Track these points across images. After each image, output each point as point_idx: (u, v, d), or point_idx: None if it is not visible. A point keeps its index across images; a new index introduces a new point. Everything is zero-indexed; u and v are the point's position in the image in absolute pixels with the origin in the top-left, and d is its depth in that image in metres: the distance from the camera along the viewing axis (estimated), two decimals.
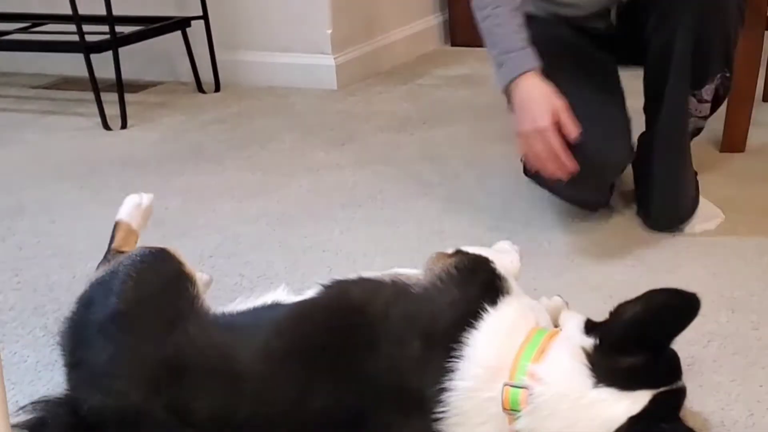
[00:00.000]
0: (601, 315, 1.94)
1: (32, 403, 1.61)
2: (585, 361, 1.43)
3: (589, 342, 1.45)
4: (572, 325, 1.50)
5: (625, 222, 2.41)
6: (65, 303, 2.12)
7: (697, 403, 1.67)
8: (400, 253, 2.31)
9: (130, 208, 1.97)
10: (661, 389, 1.39)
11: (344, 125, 3.28)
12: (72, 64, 3.85)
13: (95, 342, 1.60)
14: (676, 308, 1.44)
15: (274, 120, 3.38)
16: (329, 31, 3.70)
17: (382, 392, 1.51)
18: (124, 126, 3.40)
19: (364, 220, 2.53)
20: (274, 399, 1.52)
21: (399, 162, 2.91)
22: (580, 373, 1.42)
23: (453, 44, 4.22)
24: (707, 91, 2.36)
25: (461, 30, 4.20)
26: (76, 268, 2.35)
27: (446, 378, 1.48)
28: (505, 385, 1.46)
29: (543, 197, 2.58)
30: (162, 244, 2.46)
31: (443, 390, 1.48)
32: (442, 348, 1.50)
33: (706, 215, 2.38)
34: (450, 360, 1.48)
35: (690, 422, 1.58)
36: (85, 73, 3.43)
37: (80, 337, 1.64)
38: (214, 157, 3.06)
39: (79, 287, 2.18)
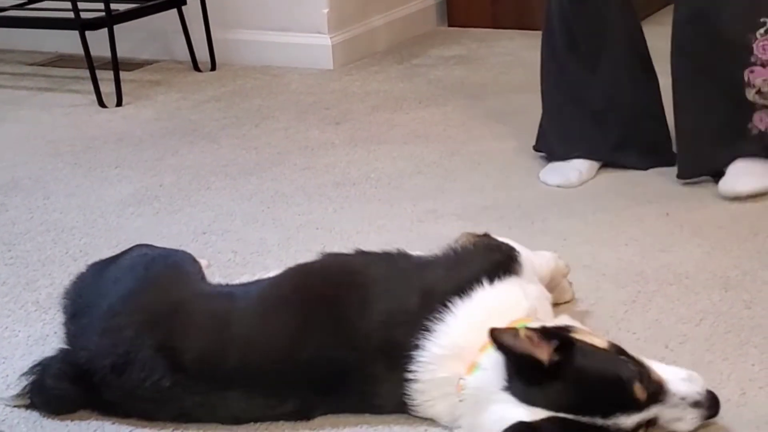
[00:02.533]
0: (592, 293, 1.96)
1: (31, 367, 1.64)
2: (507, 368, 1.44)
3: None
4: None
5: (619, 202, 2.40)
6: (58, 278, 2.14)
7: None
8: (394, 231, 2.31)
9: None
10: (559, 414, 1.40)
11: (339, 104, 3.27)
12: (67, 42, 3.83)
13: (101, 293, 1.67)
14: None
15: (270, 99, 3.37)
16: (326, 11, 3.69)
17: (373, 344, 1.54)
18: (119, 103, 3.39)
19: (358, 198, 2.52)
20: (263, 347, 1.56)
21: (394, 141, 2.90)
22: (500, 376, 1.44)
23: (450, 25, 4.20)
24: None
25: (458, 10, 4.18)
26: (69, 244, 2.34)
27: (420, 340, 1.50)
28: (460, 379, 1.49)
29: (536, 177, 2.57)
30: (155, 220, 2.48)
31: (417, 349, 1.51)
32: (433, 308, 1.51)
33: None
34: (430, 323, 1.50)
35: None
36: (81, 51, 3.41)
37: (87, 289, 1.72)
38: (209, 135, 3.05)
39: (73, 263, 2.21)
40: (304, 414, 1.59)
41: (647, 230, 2.25)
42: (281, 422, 1.60)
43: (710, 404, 1.49)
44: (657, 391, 1.45)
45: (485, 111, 3.11)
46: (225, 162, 2.82)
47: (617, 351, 1.49)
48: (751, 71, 2.35)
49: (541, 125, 2.67)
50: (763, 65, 2.35)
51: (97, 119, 3.28)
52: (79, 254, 2.27)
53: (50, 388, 1.62)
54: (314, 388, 1.56)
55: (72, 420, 1.65)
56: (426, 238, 2.21)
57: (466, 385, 1.48)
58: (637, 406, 1.42)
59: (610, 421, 1.40)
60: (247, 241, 2.30)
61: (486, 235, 1.74)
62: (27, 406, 1.67)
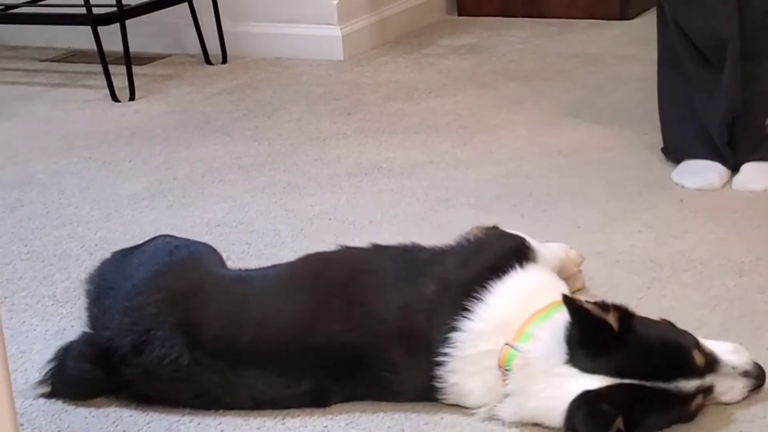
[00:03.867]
0: (606, 281, 1.96)
1: (54, 353, 1.66)
2: (567, 339, 1.47)
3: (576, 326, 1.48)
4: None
5: (632, 190, 2.40)
6: (74, 272, 2.16)
7: None
8: (407, 220, 2.32)
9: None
10: (624, 381, 1.45)
11: (350, 95, 3.27)
12: (80, 37, 3.84)
13: (124, 276, 1.70)
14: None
15: (281, 91, 3.38)
16: (335, 2, 3.69)
17: (390, 330, 1.55)
18: (132, 98, 3.40)
19: (371, 188, 2.53)
20: (280, 326, 1.59)
21: (405, 131, 2.90)
22: (559, 348, 1.48)
23: (460, 14, 4.19)
24: None
25: None
26: (85, 238, 2.36)
27: (456, 320, 1.51)
28: (506, 344, 1.49)
29: (550, 165, 2.58)
30: (169, 213, 2.50)
31: (451, 331, 1.52)
32: (459, 293, 1.54)
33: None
34: (466, 303, 1.51)
35: None
36: (93, 46, 3.42)
37: (110, 274, 1.75)
38: (221, 127, 3.06)
39: (89, 257, 2.22)
40: (320, 397, 1.61)
41: (661, 217, 2.25)
42: (297, 411, 1.61)
43: (758, 374, 1.56)
44: (711, 361, 1.52)
45: (496, 100, 3.11)
46: (238, 154, 2.83)
47: (669, 323, 1.57)
48: None
49: (665, 125, 2.55)
50: None
51: (110, 114, 3.29)
52: (94, 248, 2.28)
53: (71, 369, 1.65)
54: (329, 371, 1.58)
55: (90, 412, 1.66)
56: (439, 226, 2.22)
57: (516, 353, 1.49)
58: (697, 373, 1.50)
59: (672, 385, 1.46)
60: (260, 232, 2.31)
61: (495, 228, 1.76)
62: (48, 395, 1.69)
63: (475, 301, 1.55)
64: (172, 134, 3.04)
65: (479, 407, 1.56)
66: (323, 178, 2.61)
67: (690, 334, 1.55)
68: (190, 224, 2.39)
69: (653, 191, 2.38)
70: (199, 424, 1.61)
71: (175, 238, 1.88)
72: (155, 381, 1.61)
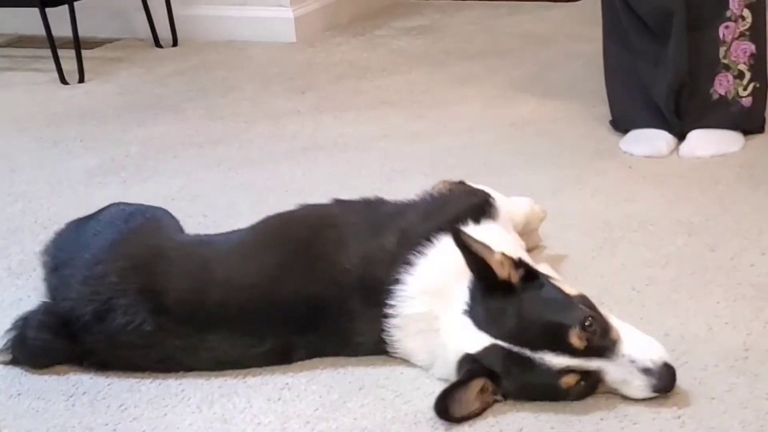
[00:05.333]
0: (559, 242, 1.99)
1: (13, 322, 1.65)
2: (472, 295, 1.50)
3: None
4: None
5: (583, 157, 2.44)
6: (29, 245, 2.15)
7: (656, 320, 1.71)
8: (365, 190, 2.28)
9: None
10: (502, 342, 1.45)
11: (304, 75, 3.28)
12: (27, 22, 3.80)
13: (81, 246, 1.69)
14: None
15: (234, 72, 3.38)
16: None
17: (351, 281, 1.57)
18: (81, 80, 3.38)
19: (327, 161, 2.54)
20: (243, 287, 1.58)
21: (359, 107, 2.92)
22: (463, 301, 1.50)
23: None
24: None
25: None
26: (38, 213, 2.34)
27: (400, 273, 1.53)
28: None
29: (502, 137, 2.61)
30: (123, 188, 2.49)
31: (395, 283, 1.54)
32: (410, 246, 1.54)
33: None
34: (411, 256, 1.52)
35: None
36: (40, 32, 3.40)
37: (67, 244, 1.74)
38: (173, 107, 3.05)
39: (42, 231, 2.21)
40: (283, 354, 1.61)
41: (611, 182, 2.29)
42: (258, 369, 1.62)
43: (662, 376, 1.45)
44: (605, 347, 1.45)
45: (449, 77, 3.14)
46: (192, 132, 2.82)
47: (581, 300, 1.50)
48: (726, 27, 2.40)
49: (612, 97, 2.60)
50: (735, 21, 2.39)
51: (59, 95, 3.27)
52: (48, 222, 2.27)
53: (32, 339, 1.64)
54: (293, 326, 1.59)
55: (50, 375, 1.66)
56: (396, 196, 2.22)
57: (440, 316, 1.52)
58: (570, 351, 1.43)
59: (537, 355, 1.43)
60: (217, 205, 2.31)
61: (462, 182, 1.77)
62: (9, 362, 1.68)
63: (418, 254, 1.55)
64: (124, 114, 3.02)
65: (428, 368, 1.57)
66: (279, 153, 2.62)
67: (596, 317, 1.46)
68: (144, 198, 2.35)
69: (603, 159, 2.42)
70: (160, 384, 1.62)
71: (129, 204, 1.88)
72: (118, 348, 1.60)
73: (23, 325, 1.66)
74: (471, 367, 1.46)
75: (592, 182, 2.29)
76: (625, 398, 1.49)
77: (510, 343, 1.45)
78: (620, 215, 2.11)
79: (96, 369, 1.66)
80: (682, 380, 1.53)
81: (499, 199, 1.73)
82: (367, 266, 1.57)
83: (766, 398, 1.49)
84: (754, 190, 2.19)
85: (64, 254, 1.74)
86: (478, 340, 1.47)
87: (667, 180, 2.27)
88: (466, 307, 1.50)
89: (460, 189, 1.74)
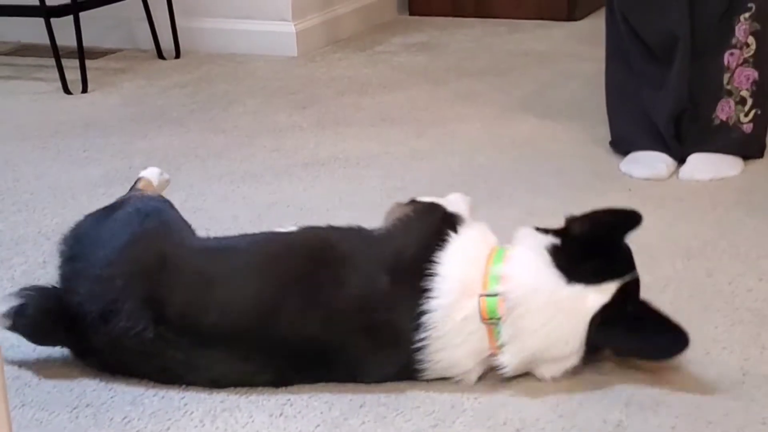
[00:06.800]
0: None
1: (21, 289, 1.69)
2: (551, 261, 1.56)
3: (550, 245, 1.59)
4: (530, 237, 1.62)
5: (583, 179, 2.46)
6: (32, 256, 2.16)
7: None
8: (364, 207, 2.35)
9: (152, 172, 2.08)
10: (624, 279, 1.57)
11: (305, 89, 3.31)
12: (30, 31, 3.82)
13: (97, 243, 1.70)
14: (624, 213, 1.67)
15: (236, 85, 3.40)
16: None
17: (351, 326, 1.57)
18: (84, 90, 3.39)
19: (328, 177, 2.56)
20: (241, 310, 1.60)
21: (360, 123, 2.94)
22: (550, 272, 1.55)
23: (411, 13, 4.25)
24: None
25: None
26: (41, 224, 2.36)
27: (422, 302, 1.54)
28: (480, 296, 1.55)
29: (503, 156, 2.63)
30: None
31: (421, 316, 1.54)
32: (412, 277, 1.56)
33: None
34: (424, 282, 1.54)
35: (647, 363, 1.65)
36: (44, 41, 3.41)
37: (84, 237, 1.75)
38: (176, 119, 3.07)
39: (46, 241, 2.22)
40: (282, 383, 1.63)
41: (610, 204, 2.29)
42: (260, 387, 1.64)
43: None
44: None
45: (449, 94, 3.17)
46: (194, 145, 2.84)
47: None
48: (731, 54, 2.42)
49: (613, 118, 2.61)
50: (740, 48, 2.42)
51: (63, 105, 3.28)
52: (51, 233, 2.28)
53: (33, 317, 1.66)
54: (292, 363, 1.61)
55: (54, 386, 1.67)
56: None
57: (494, 298, 1.55)
58: None
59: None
60: (219, 218, 2.33)
61: (413, 201, 1.78)
62: (9, 329, 1.68)
63: (431, 278, 1.57)
64: (127, 125, 3.04)
65: (466, 372, 1.60)
66: (280, 168, 2.64)
67: None
68: None
69: (603, 181, 2.45)
70: (163, 397, 1.63)
71: (150, 199, 1.86)
72: (121, 351, 1.63)
73: (30, 299, 1.67)
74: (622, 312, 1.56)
75: (591, 204, 2.27)
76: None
77: (624, 276, 1.58)
78: None
79: (100, 371, 1.68)
80: (679, 405, 1.55)
81: (445, 203, 1.75)
82: (368, 313, 1.57)
83: (762, 423, 1.51)
84: (752, 215, 2.22)
85: (80, 247, 1.75)
86: (599, 293, 1.55)
87: (666, 203, 2.30)
88: (554, 275, 1.55)
89: (420, 208, 1.73)
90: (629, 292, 1.59)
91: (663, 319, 1.59)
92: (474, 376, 1.61)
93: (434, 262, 1.58)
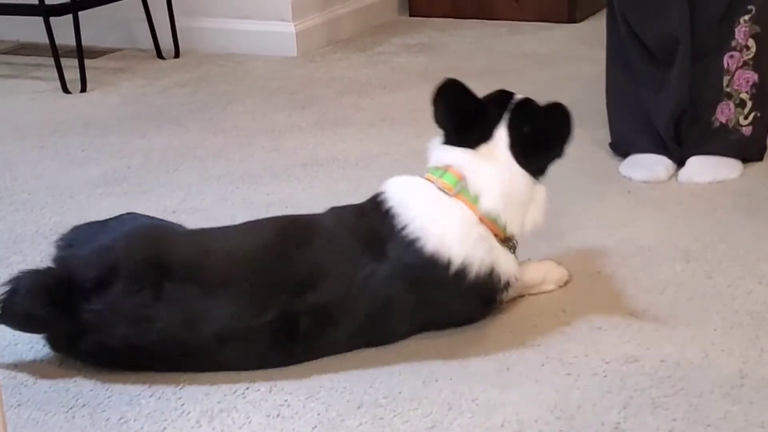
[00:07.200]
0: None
1: (9, 279, 1.68)
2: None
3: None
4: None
5: (582, 181, 2.46)
6: (29, 255, 2.16)
7: (654, 346, 1.72)
8: None
9: None
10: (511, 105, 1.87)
11: (304, 89, 3.30)
12: (29, 30, 3.82)
13: (96, 234, 1.76)
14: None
15: (235, 85, 3.40)
16: None
17: (351, 240, 1.73)
18: (83, 89, 3.39)
19: (327, 178, 2.56)
20: (244, 258, 1.70)
21: (360, 124, 2.94)
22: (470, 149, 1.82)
23: (411, 14, 4.25)
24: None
25: (419, 0, 4.23)
26: (39, 223, 2.35)
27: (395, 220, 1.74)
28: (428, 178, 1.80)
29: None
30: (125, 199, 2.50)
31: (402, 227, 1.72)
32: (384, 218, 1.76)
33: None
34: (393, 218, 1.74)
35: (646, 366, 1.65)
36: (42, 39, 3.41)
37: (82, 234, 1.80)
38: (175, 119, 3.07)
39: (44, 240, 2.22)
40: (286, 326, 1.65)
41: (609, 207, 2.31)
42: (258, 385, 1.64)
43: None
44: None
45: None
46: (193, 144, 2.84)
47: None
48: (730, 57, 2.42)
49: (613, 120, 2.62)
50: (740, 51, 2.42)
51: (61, 104, 3.28)
52: (49, 233, 2.28)
53: (24, 296, 1.65)
54: (293, 290, 1.66)
55: (50, 386, 1.67)
56: None
57: (450, 175, 1.78)
58: None
59: None
60: (217, 219, 2.31)
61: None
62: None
63: (397, 215, 1.75)
64: (126, 125, 3.04)
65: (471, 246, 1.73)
66: (279, 169, 2.63)
67: None
68: (145, 211, 2.35)
69: (602, 183, 2.44)
70: (159, 398, 1.63)
71: (141, 215, 1.92)
72: (115, 323, 1.62)
73: (18, 284, 1.66)
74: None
75: (590, 206, 2.31)
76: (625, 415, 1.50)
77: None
78: (618, 240, 2.13)
79: (85, 363, 1.68)
80: (678, 407, 1.55)
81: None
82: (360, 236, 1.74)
83: (761, 426, 1.50)
84: (752, 217, 2.21)
85: (78, 238, 1.79)
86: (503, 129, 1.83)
87: (665, 206, 2.29)
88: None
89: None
90: (520, 108, 1.85)
91: (546, 107, 1.86)
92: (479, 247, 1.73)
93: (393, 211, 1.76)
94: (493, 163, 1.79)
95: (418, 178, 1.82)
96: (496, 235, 1.77)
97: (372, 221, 1.76)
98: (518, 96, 1.89)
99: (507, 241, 1.80)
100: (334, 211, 1.83)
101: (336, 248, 1.71)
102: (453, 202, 1.75)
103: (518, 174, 1.80)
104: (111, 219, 1.86)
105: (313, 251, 1.70)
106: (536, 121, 1.83)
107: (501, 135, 1.81)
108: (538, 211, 1.84)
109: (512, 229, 1.80)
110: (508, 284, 1.77)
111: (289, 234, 1.74)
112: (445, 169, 1.79)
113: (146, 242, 1.70)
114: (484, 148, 1.80)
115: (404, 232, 1.72)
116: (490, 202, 1.76)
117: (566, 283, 1.94)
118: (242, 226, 1.83)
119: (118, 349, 1.64)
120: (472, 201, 1.75)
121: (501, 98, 1.88)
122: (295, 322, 1.65)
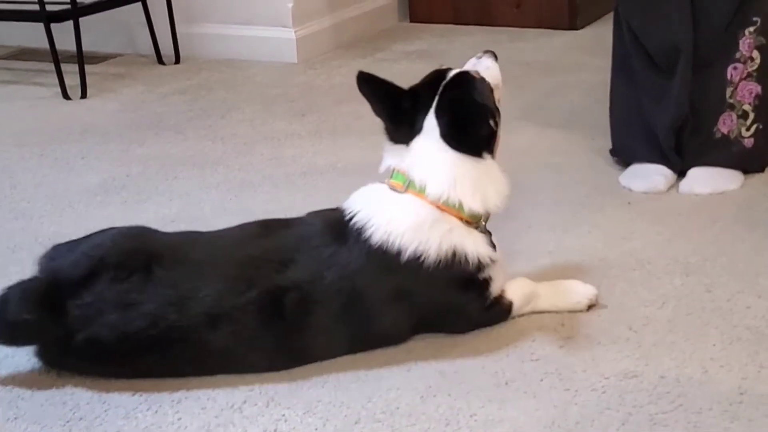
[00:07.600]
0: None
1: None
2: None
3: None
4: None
5: (582, 192, 2.45)
6: (28, 264, 2.13)
7: (653, 361, 1.72)
8: None
9: None
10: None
11: (305, 97, 3.30)
12: (30, 35, 3.82)
13: (77, 245, 1.80)
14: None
15: (235, 91, 3.39)
16: (290, 5, 3.71)
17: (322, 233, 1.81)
18: (84, 96, 3.38)
19: (326, 186, 2.55)
20: (228, 243, 1.80)
21: (359, 132, 2.93)
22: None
23: (412, 20, 4.24)
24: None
25: (420, 6, 4.23)
26: (38, 232, 2.35)
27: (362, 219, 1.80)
28: (385, 182, 1.86)
29: (502, 166, 2.61)
30: (124, 208, 2.49)
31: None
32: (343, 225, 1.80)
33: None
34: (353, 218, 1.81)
35: (645, 382, 1.64)
36: (42, 45, 3.41)
37: (65, 248, 1.81)
38: (174, 126, 3.06)
39: (43, 249, 2.20)
40: (272, 302, 1.68)
41: (609, 219, 2.31)
42: (255, 400, 1.63)
43: None
44: None
45: None
46: (192, 152, 2.83)
47: None
48: (734, 68, 2.42)
49: (615, 128, 2.61)
50: (744, 62, 2.41)
51: (62, 111, 3.27)
52: (48, 242, 2.24)
53: (12, 313, 1.66)
54: (276, 263, 1.72)
55: (47, 399, 1.66)
56: None
57: (399, 174, 1.84)
58: None
59: None
60: (215, 228, 2.30)
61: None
62: None
63: (359, 217, 1.82)
64: (125, 132, 3.03)
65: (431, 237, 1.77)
66: (278, 177, 2.63)
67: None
68: (144, 220, 2.37)
69: (602, 194, 2.43)
70: (156, 412, 1.62)
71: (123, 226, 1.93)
72: (104, 313, 1.64)
73: (8, 293, 1.69)
74: None
75: (590, 218, 2.30)
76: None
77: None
78: (618, 253, 2.12)
79: (80, 355, 1.68)
80: (677, 424, 1.55)
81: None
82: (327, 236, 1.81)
83: None
84: (752, 230, 2.21)
85: (61, 252, 1.81)
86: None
87: (665, 217, 2.29)
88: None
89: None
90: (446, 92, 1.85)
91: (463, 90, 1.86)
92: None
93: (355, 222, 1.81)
94: (429, 154, 1.82)
95: (378, 183, 1.89)
96: (460, 219, 1.79)
97: (338, 219, 1.84)
98: (451, 73, 1.90)
99: (474, 223, 1.81)
100: (312, 212, 1.93)
101: (308, 233, 1.80)
102: (403, 197, 1.80)
103: (455, 158, 1.81)
104: (92, 233, 1.87)
105: (289, 234, 1.79)
106: (457, 106, 1.84)
107: (430, 125, 1.83)
108: (496, 185, 1.86)
109: (473, 208, 1.81)
110: (481, 264, 1.78)
111: (268, 224, 1.86)
112: (394, 170, 1.86)
113: (132, 237, 1.78)
114: (418, 141, 1.84)
115: (354, 229, 1.78)
116: (436, 189, 1.79)
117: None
118: (225, 229, 1.91)
119: (108, 342, 1.65)
120: (421, 192, 1.80)
121: (434, 80, 1.90)
122: (280, 299, 1.70)
